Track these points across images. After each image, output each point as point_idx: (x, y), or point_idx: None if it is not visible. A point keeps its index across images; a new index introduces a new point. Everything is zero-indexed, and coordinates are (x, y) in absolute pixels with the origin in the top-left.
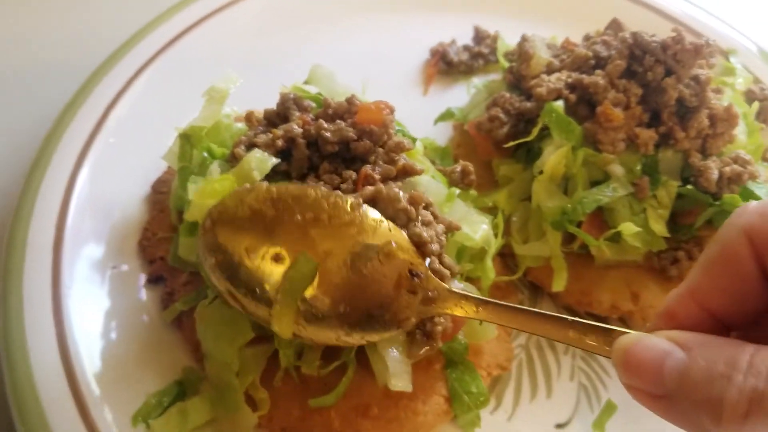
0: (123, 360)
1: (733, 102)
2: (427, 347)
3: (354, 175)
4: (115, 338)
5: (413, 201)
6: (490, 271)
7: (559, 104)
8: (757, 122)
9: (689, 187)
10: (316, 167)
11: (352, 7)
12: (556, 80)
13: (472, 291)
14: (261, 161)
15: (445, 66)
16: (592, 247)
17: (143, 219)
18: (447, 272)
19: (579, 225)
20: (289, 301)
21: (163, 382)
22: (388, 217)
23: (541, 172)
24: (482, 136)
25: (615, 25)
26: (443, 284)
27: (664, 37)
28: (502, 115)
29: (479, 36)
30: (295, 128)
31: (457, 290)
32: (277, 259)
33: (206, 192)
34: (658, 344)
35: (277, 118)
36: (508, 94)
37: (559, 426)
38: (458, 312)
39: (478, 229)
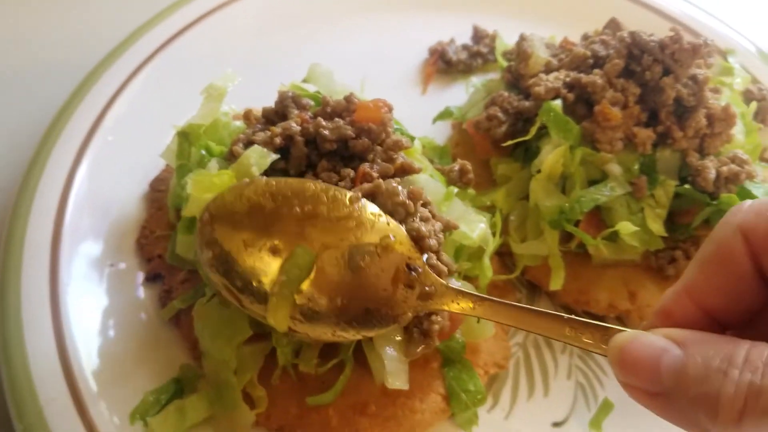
0: (121, 357)
1: (731, 102)
2: (423, 346)
3: (352, 173)
4: (112, 336)
5: (412, 196)
6: (487, 269)
7: (557, 103)
8: (755, 122)
9: (687, 186)
10: (315, 165)
11: (351, 6)
12: (554, 79)
13: (469, 289)
14: (260, 156)
15: (443, 65)
16: (590, 246)
17: (141, 217)
18: (444, 269)
19: (577, 224)
20: (285, 293)
21: (161, 380)
22: (386, 212)
23: (539, 171)
24: (480, 135)
25: (613, 25)
26: (440, 280)
27: (662, 37)
28: (500, 114)
29: (478, 35)
30: (294, 126)
31: (454, 286)
32: (274, 251)
33: (204, 185)
34: (654, 342)
35: (275, 116)
36: (506, 93)
37: (556, 424)
38: (455, 308)
39: (475, 227)
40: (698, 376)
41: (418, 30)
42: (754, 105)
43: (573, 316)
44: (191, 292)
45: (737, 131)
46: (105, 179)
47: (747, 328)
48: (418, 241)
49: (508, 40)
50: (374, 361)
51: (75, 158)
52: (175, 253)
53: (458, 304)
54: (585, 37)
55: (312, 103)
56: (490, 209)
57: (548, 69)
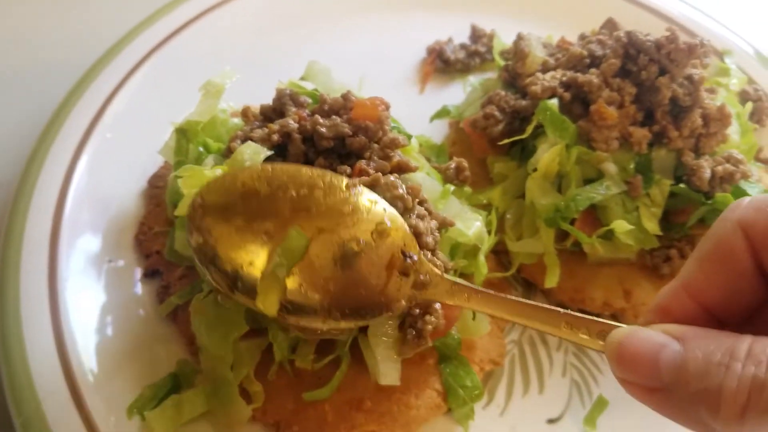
0: (119, 352)
1: (727, 102)
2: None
3: (348, 170)
4: (110, 331)
5: (411, 192)
6: (482, 266)
7: (554, 102)
8: (750, 122)
9: (682, 185)
10: (312, 162)
11: (350, 5)
12: (551, 79)
13: None
14: (255, 152)
15: (441, 64)
16: (585, 244)
17: (140, 213)
18: (440, 266)
19: (572, 222)
20: (276, 276)
21: (159, 375)
22: None
23: (535, 170)
24: (477, 134)
25: (610, 25)
26: (436, 270)
27: (658, 37)
28: (497, 113)
29: (476, 34)
30: (291, 123)
31: (449, 277)
32: (267, 235)
33: (195, 181)
34: (652, 337)
35: (273, 113)
36: (503, 92)
37: (551, 421)
38: (449, 299)
39: (471, 225)
40: (699, 371)
41: (417, 29)
42: (749, 105)
43: (569, 311)
44: (189, 288)
45: (733, 131)
46: (104, 176)
47: (745, 325)
48: (415, 237)
49: (505, 39)
50: (370, 358)
51: (74, 155)
52: (174, 249)
53: (453, 295)
54: (582, 37)
55: (309, 100)
56: (487, 207)
57: (545, 68)
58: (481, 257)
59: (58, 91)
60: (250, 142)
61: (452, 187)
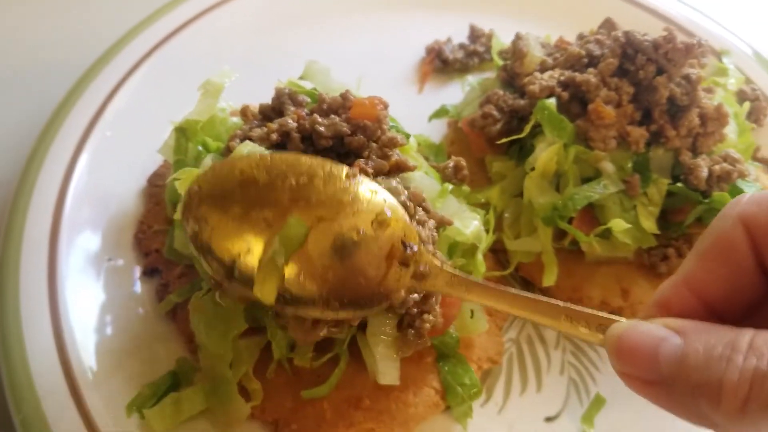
0: (118, 351)
1: (725, 102)
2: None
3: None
4: (110, 329)
5: (412, 199)
6: (480, 265)
7: (552, 102)
8: (748, 122)
9: (679, 184)
10: None
11: (349, 5)
12: (549, 78)
13: None
14: (251, 151)
15: (440, 64)
16: (583, 243)
17: (139, 212)
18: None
19: (570, 221)
20: (275, 263)
21: (158, 373)
22: None
23: (533, 169)
24: (476, 133)
25: (608, 25)
26: (435, 261)
27: (656, 37)
28: (495, 113)
29: (475, 34)
30: (290, 122)
31: (449, 268)
32: (266, 223)
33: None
34: (652, 330)
35: (272, 112)
36: (501, 92)
37: (549, 419)
38: (449, 290)
39: (469, 224)
40: (699, 364)
41: (416, 29)
42: (747, 105)
43: (569, 305)
44: (188, 287)
45: (730, 131)
46: (103, 174)
47: (745, 320)
48: None
49: (504, 39)
50: (368, 357)
51: (74, 153)
52: (173, 247)
53: (452, 286)
54: (580, 37)
55: (308, 99)
56: (485, 206)
57: (543, 68)
58: (479, 256)
59: (58, 91)
60: (248, 141)
61: (450, 186)
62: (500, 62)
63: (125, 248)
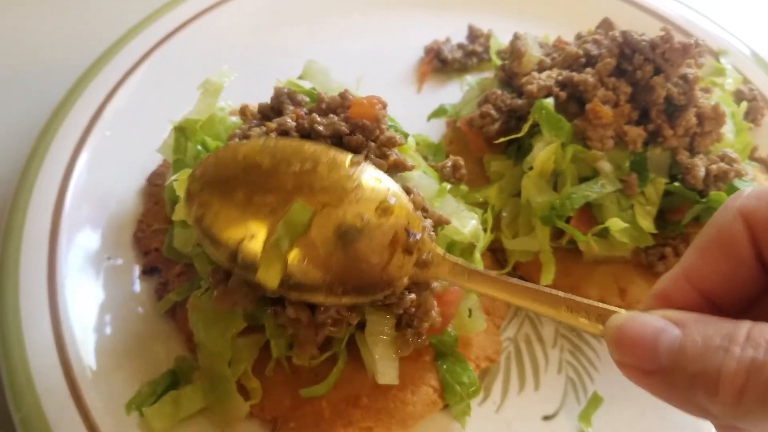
0: (117, 349)
1: (722, 101)
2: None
3: None
4: (109, 328)
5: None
6: (478, 264)
7: (550, 101)
8: (745, 122)
9: (677, 184)
10: None
11: (348, 5)
12: (547, 78)
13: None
14: None
15: (439, 64)
16: (581, 242)
17: (138, 211)
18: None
19: (568, 220)
20: (279, 248)
21: (157, 372)
22: None
23: (531, 168)
24: (474, 133)
25: (606, 25)
26: (438, 249)
27: (653, 37)
28: (493, 112)
29: (473, 34)
30: (289, 122)
31: (451, 257)
32: (269, 208)
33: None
34: (652, 321)
35: (271, 111)
36: (499, 91)
37: (547, 418)
38: (451, 279)
39: (467, 223)
40: (697, 354)
41: (414, 29)
42: (744, 105)
43: (570, 295)
44: (187, 285)
45: (727, 130)
46: (103, 173)
47: (744, 313)
48: None
49: (502, 39)
50: (367, 355)
51: (73, 152)
52: (172, 246)
53: (454, 275)
54: (578, 37)
55: (307, 99)
56: (483, 205)
57: (541, 67)
58: (477, 255)
59: (58, 91)
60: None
61: (449, 186)
62: (498, 62)
63: (125, 247)
